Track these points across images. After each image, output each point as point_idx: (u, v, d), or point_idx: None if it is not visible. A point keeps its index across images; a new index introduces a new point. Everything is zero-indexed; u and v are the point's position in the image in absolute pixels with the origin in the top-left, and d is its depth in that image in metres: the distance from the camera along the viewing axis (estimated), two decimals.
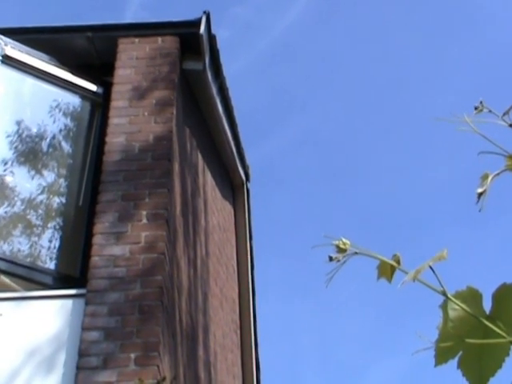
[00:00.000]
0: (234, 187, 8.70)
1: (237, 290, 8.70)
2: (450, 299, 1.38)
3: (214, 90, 6.77)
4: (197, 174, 6.86)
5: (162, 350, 4.77)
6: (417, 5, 15.42)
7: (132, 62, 6.00)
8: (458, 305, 1.37)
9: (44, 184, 5.84)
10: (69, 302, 4.95)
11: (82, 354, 4.65)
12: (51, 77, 6.09)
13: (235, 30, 16.28)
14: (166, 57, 6.03)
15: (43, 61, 6.08)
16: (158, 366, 4.63)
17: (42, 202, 5.80)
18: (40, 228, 5.73)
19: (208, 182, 7.37)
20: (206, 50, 6.25)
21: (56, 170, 6.00)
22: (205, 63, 6.29)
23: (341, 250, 1.38)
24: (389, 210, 16.49)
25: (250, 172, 8.64)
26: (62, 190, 5.90)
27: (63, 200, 5.83)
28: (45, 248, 5.54)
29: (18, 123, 5.99)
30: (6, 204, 5.65)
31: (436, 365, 1.40)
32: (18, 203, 5.72)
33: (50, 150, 6.07)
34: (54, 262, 5.48)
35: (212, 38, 6.34)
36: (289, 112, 16.74)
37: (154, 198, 5.29)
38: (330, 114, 16.57)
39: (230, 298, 8.27)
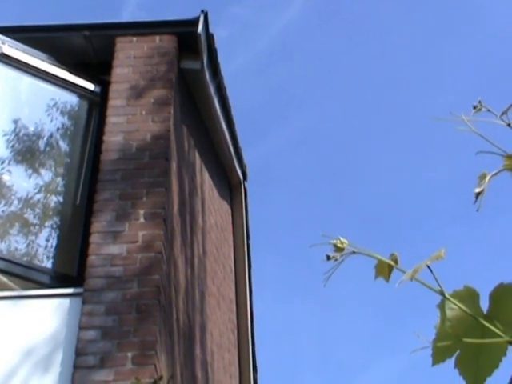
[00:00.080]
0: (231, 186, 8.70)
1: (234, 290, 8.71)
2: (448, 299, 1.38)
3: (212, 89, 6.77)
4: (194, 173, 6.86)
5: (159, 349, 4.77)
6: (416, 4, 15.43)
7: (130, 61, 6.00)
8: (455, 304, 1.37)
9: (41, 183, 5.83)
10: (66, 301, 4.95)
11: (78, 352, 4.65)
12: (49, 75, 6.08)
13: (233, 29, 16.28)
14: (163, 56, 6.03)
15: (41, 59, 6.08)
16: (154, 365, 4.63)
17: (39, 200, 5.79)
18: (37, 227, 5.72)
19: (205, 181, 7.37)
20: (204, 49, 6.25)
21: (53, 168, 6.00)
22: (202, 62, 6.29)
23: (338, 249, 1.38)
24: (387, 209, 16.50)
25: (248, 171, 8.65)
26: (59, 188, 5.90)
27: (60, 199, 5.82)
28: (42, 247, 5.54)
29: (16, 122, 5.98)
30: (3, 203, 5.64)
31: (433, 364, 1.40)
32: (15, 202, 5.71)
33: (48, 148, 6.07)
34: (51, 260, 5.48)
35: (210, 37, 6.34)
36: (287, 111, 16.75)
37: (151, 197, 5.29)
38: (328, 113, 16.58)
39: (227, 298, 8.27)
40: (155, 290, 4.89)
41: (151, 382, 4.47)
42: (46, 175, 5.93)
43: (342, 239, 1.39)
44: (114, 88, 5.86)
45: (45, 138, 6.06)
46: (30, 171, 5.88)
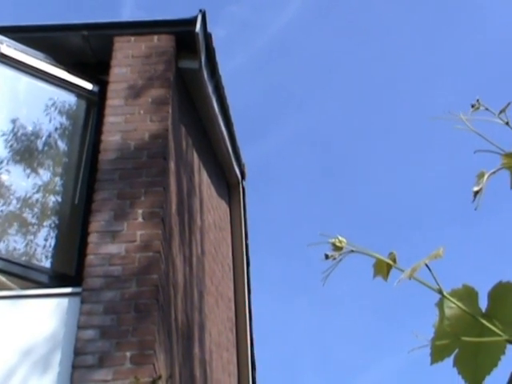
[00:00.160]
0: (229, 186, 8.70)
1: (232, 289, 8.71)
2: (446, 297, 1.38)
3: (210, 89, 6.77)
4: (192, 173, 6.86)
5: (158, 348, 4.77)
6: (415, 3, 15.43)
7: (128, 61, 6.00)
8: (453, 303, 1.37)
9: (40, 182, 5.83)
10: (64, 301, 4.95)
11: (77, 352, 4.65)
12: (47, 75, 6.08)
13: (231, 28, 16.28)
14: (161, 55, 6.03)
15: (39, 59, 6.07)
16: (153, 365, 4.62)
17: (37, 200, 5.79)
18: (36, 226, 5.72)
19: (204, 180, 7.37)
20: (202, 49, 6.25)
21: (51, 168, 6.00)
22: (201, 62, 6.29)
23: (337, 248, 1.38)
24: (385, 208, 16.50)
25: (246, 170, 8.65)
26: (57, 188, 5.90)
27: (59, 198, 5.82)
28: (40, 246, 5.54)
29: (14, 121, 5.98)
30: (2, 202, 5.64)
31: (432, 363, 1.40)
32: (14, 202, 5.71)
33: (46, 148, 6.06)
34: (49, 260, 5.48)
35: (208, 37, 6.34)
36: (285, 110, 16.75)
37: (149, 196, 5.29)
38: (327, 113, 16.58)
39: (226, 297, 8.27)
40: (154, 289, 4.89)
41: (150, 382, 4.47)
42: (45, 175, 5.93)
43: (340, 238, 1.39)
44: (112, 87, 5.86)
45: (43, 138, 6.06)
46: (28, 171, 5.88)
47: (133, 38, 6.13)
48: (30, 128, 6.03)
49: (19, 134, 5.96)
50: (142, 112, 5.69)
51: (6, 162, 5.79)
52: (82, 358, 4.62)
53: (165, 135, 5.59)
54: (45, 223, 5.74)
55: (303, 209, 16.58)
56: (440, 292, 1.37)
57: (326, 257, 1.37)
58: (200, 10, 6.19)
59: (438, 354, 1.39)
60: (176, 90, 6.11)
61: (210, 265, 7.40)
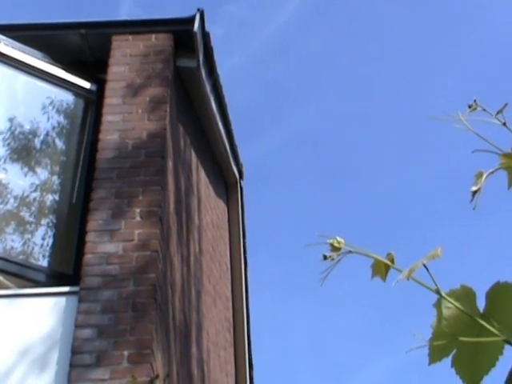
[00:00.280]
0: (227, 185, 8.70)
1: (230, 288, 8.71)
2: (444, 298, 1.38)
3: (208, 88, 6.77)
4: (190, 172, 6.86)
5: (155, 347, 4.77)
6: (414, 3, 15.43)
7: (126, 59, 6.00)
8: (451, 303, 1.37)
9: (37, 181, 5.83)
10: (62, 300, 4.95)
11: (74, 351, 4.65)
12: (45, 74, 6.07)
13: (229, 27, 16.28)
14: (159, 54, 6.03)
15: (36, 58, 6.07)
16: (151, 364, 4.62)
17: (35, 199, 5.79)
18: (33, 225, 5.72)
19: (201, 179, 7.37)
20: (200, 48, 6.25)
21: (49, 167, 5.99)
22: (199, 61, 6.29)
23: (335, 249, 1.38)
24: (383, 208, 16.51)
25: (244, 170, 8.65)
26: (55, 187, 5.89)
27: (56, 197, 5.82)
28: (38, 245, 5.53)
29: (11, 120, 5.98)
30: (0, 201, 5.64)
31: (430, 363, 1.40)
32: (11, 200, 5.71)
33: (44, 147, 6.06)
34: (47, 259, 5.47)
35: (206, 36, 6.33)
36: (283, 110, 16.75)
37: (147, 195, 5.28)
38: (326, 112, 16.58)
39: (224, 296, 8.27)
40: (151, 288, 4.88)
41: (147, 381, 4.47)
42: (42, 173, 5.92)
43: (338, 239, 1.39)
44: (110, 86, 5.85)
45: (41, 137, 6.05)
46: (25, 169, 5.87)
47: (131, 37, 6.13)
48: (27, 126, 6.03)
49: (17, 132, 5.96)
50: (139, 111, 5.69)
51: (3, 160, 5.78)
52: (79, 357, 4.62)
53: (163, 134, 5.58)
54: (42, 222, 5.74)
55: (301, 208, 16.58)
56: (438, 292, 1.37)
57: (325, 257, 1.37)
58: (198, 9, 6.18)
59: (435, 355, 1.39)
60: (174, 89, 6.11)
61: (208, 264, 7.40)
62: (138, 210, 5.20)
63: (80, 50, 6.26)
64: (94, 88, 6.15)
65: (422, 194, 15.95)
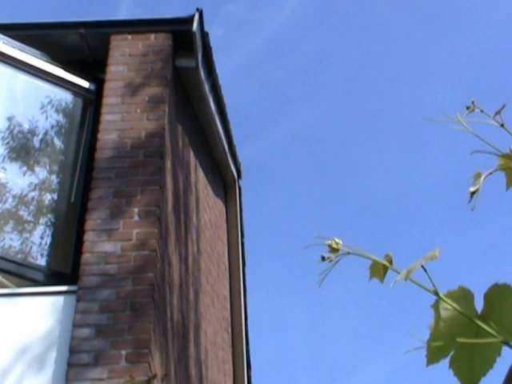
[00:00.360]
0: (225, 184, 8.70)
1: (228, 288, 8.71)
2: (442, 299, 1.38)
3: (207, 88, 6.77)
4: (189, 172, 6.86)
5: (153, 347, 4.77)
6: (412, 4, 15.43)
7: (124, 59, 6.00)
8: (449, 304, 1.37)
9: (36, 180, 5.82)
10: (60, 299, 4.95)
11: (72, 350, 4.65)
12: (43, 73, 6.07)
13: (228, 27, 16.27)
14: (158, 54, 6.03)
15: (35, 57, 6.07)
16: (149, 363, 4.62)
17: (33, 198, 5.79)
18: (32, 224, 5.72)
19: (200, 179, 7.37)
20: (199, 48, 6.25)
21: (48, 166, 5.99)
22: (197, 60, 6.29)
23: (333, 250, 1.38)
24: (381, 209, 16.50)
25: (242, 169, 8.65)
26: (53, 186, 5.89)
27: (55, 196, 5.82)
28: (36, 244, 5.53)
29: (10, 119, 5.97)
30: None
31: (427, 364, 1.40)
32: (10, 199, 5.70)
33: (42, 146, 6.06)
34: (45, 258, 5.47)
35: (205, 36, 6.34)
36: (282, 109, 16.75)
37: (145, 195, 5.28)
38: (324, 112, 16.58)
39: (222, 296, 8.27)
40: (149, 288, 4.88)
41: (145, 380, 4.47)
42: (41, 173, 5.92)
43: (336, 240, 1.39)
44: (109, 86, 5.85)
45: (39, 136, 6.05)
46: (24, 169, 5.87)
47: (130, 37, 6.13)
48: (26, 126, 6.03)
49: (15, 131, 5.96)
50: (138, 110, 5.69)
51: (2, 159, 5.78)
52: (77, 357, 4.62)
53: (161, 134, 5.58)
54: (41, 221, 5.73)
55: (300, 208, 16.59)
56: (436, 293, 1.37)
57: (323, 259, 1.37)
58: (197, 9, 6.19)
59: (433, 356, 1.39)
60: (173, 89, 6.11)
61: (206, 264, 7.40)
62: (136, 210, 5.20)
63: (79, 49, 6.26)
64: (92, 87, 6.15)
65: (420, 195, 15.96)
